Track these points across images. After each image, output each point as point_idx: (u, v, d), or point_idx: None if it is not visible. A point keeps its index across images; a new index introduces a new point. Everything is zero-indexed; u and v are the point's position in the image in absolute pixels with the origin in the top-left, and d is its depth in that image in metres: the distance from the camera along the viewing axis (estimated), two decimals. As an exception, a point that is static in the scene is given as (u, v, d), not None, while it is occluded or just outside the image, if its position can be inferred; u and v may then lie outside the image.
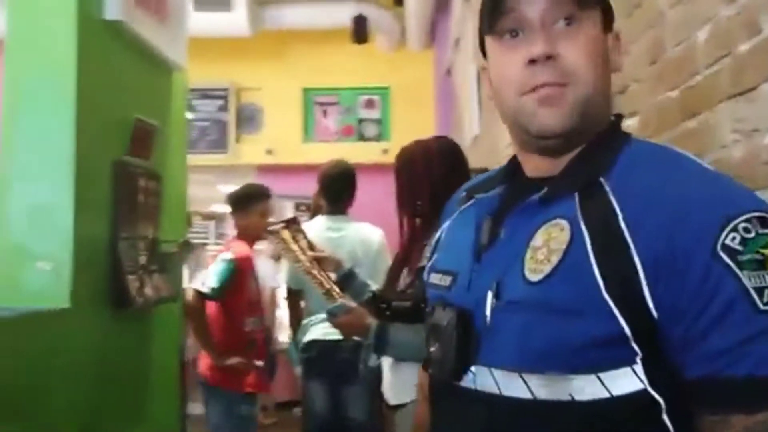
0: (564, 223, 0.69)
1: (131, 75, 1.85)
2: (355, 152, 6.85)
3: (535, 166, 0.78)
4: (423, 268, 1.58)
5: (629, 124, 1.34)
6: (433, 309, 0.78)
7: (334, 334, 2.53)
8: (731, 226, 0.60)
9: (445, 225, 0.91)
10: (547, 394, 0.66)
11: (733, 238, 0.59)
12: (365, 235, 2.57)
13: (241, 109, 8.06)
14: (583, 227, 0.67)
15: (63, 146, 1.52)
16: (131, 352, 1.88)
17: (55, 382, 1.48)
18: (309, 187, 7.90)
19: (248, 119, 8.15)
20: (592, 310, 0.64)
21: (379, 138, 7.74)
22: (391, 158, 7.07)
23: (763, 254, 0.59)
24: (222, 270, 2.46)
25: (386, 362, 1.69)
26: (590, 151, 0.74)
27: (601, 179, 0.70)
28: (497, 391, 0.70)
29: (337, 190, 2.63)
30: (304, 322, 2.63)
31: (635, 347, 0.63)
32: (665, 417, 0.64)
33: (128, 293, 1.72)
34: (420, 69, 7.23)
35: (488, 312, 0.71)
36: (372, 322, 1.59)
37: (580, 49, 0.71)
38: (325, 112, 7.86)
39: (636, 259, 0.63)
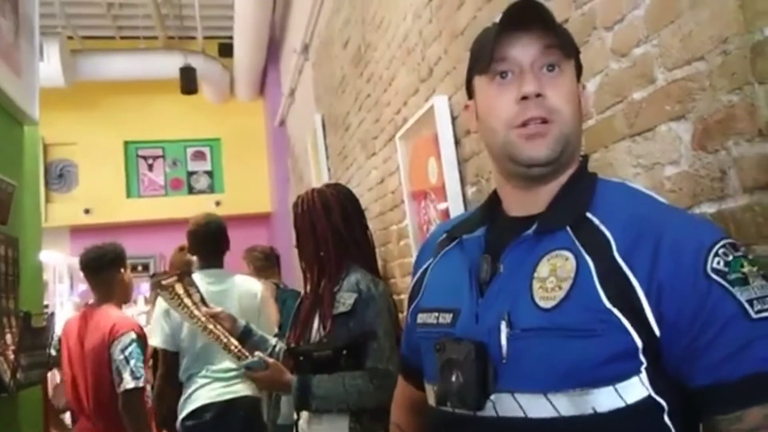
0: (567, 253, 0.76)
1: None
2: (186, 206, 6.58)
3: (517, 203, 0.86)
4: (341, 314, 1.59)
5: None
6: (443, 345, 0.80)
7: (229, 394, 2.41)
8: (714, 251, 0.70)
9: (426, 267, 0.95)
10: (572, 410, 0.71)
11: (718, 262, 0.70)
12: (247, 288, 2.50)
13: (51, 167, 7.36)
14: (586, 256, 0.75)
15: None
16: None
17: None
18: (140, 245, 7.37)
19: (60, 177, 7.46)
20: (607, 328, 0.71)
21: (211, 190, 7.52)
22: (224, 210, 6.95)
23: (743, 272, 0.70)
24: (140, 351, 2.31)
25: (303, 415, 1.64)
26: (570, 189, 0.83)
27: (588, 213, 0.79)
28: (522, 415, 0.74)
29: (211, 243, 2.55)
30: (191, 389, 2.45)
31: (642, 358, 0.70)
32: (666, 418, 0.72)
33: (1, 379, 1.49)
34: (251, 119, 7.20)
35: (504, 341, 0.76)
36: (292, 377, 1.55)
37: (562, 92, 0.81)
38: (150, 166, 7.47)
39: (635, 284, 0.71)
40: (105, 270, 2.48)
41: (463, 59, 1.37)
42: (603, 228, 0.76)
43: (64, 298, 6.02)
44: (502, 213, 0.88)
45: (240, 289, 2.43)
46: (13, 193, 1.72)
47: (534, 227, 0.80)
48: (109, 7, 6.26)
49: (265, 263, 3.72)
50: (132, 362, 2.25)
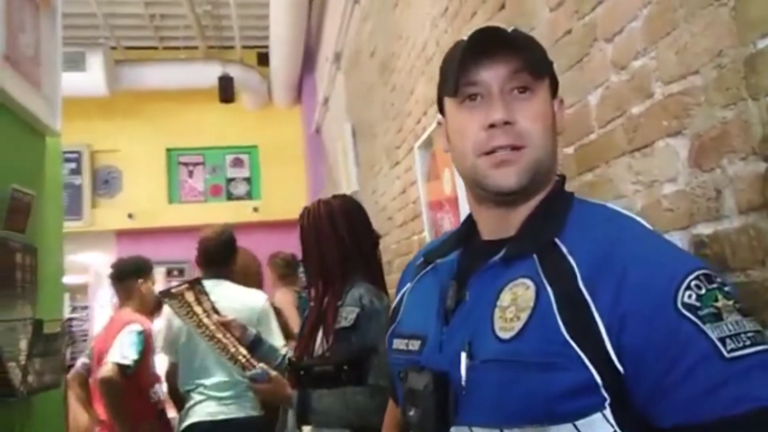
0: (528, 282, 0.73)
1: (3, 140, 1.70)
2: (224, 212, 6.68)
3: (489, 227, 0.83)
4: (343, 329, 1.57)
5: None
6: (406, 374, 0.78)
7: (222, 414, 2.41)
8: (685, 284, 0.65)
9: (404, 291, 0.93)
10: None
11: (690, 296, 0.65)
12: (243, 302, 2.46)
13: (96, 172, 7.58)
14: (547, 285, 0.71)
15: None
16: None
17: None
18: (178, 250, 7.50)
19: (105, 182, 7.68)
20: (565, 362, 0.67)
21: (249, 196, 7.62)
22: (261, 216, 6.97)
23: (717, 307, 0.64)
24: (138, 341, 2.59)
25: (305, 429, 1.63)
26: (542, 212, 0.80)
27: (557, 240, 0.75)
28: None
29: (211, 254, 2.57)
30: (188, 404, 2.47)
31: (604, 394, 0.66)
32: None
33: (11, 384, 1.53)
34: (288, 127, 7.27)
35: (463, 372, 0.73)
36: (293, 392, 1.54)
37: (534, 116, 0.77)
38: (191, 173, 7.62)
39: (596, 316, 0.67)
40: (125, 279, 2.88)
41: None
42: (569, 256, 0.72)
43: (104, 299, 6.20)
44: (477, 236, 0.85)
45: (235, 303, 2.36)
46: (30, 202, 1.76)
47: (501, 254, 0.77)
48: (151, 19, 6.42)
49: (286, 270, 3.69)
50: (126, 345, 2.53)
